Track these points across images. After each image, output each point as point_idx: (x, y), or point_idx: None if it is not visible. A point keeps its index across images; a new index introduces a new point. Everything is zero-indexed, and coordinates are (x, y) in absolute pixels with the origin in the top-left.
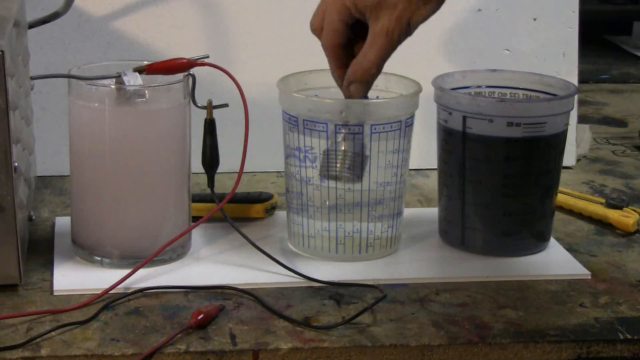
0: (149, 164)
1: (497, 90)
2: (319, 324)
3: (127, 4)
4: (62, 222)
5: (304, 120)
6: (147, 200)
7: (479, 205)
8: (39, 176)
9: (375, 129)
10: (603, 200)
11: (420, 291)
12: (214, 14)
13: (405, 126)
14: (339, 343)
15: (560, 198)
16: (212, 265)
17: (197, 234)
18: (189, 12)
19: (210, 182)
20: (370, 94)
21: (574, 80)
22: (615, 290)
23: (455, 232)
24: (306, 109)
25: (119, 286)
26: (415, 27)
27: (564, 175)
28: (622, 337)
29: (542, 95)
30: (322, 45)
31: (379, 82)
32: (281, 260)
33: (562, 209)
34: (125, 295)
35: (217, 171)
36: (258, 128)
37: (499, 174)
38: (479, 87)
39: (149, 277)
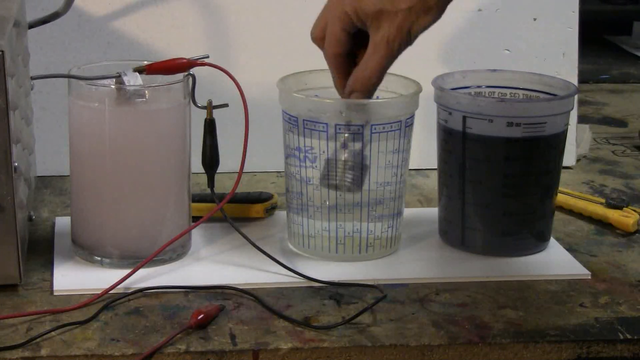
0: (149, 164)
1: (497, 90)
2: (319, 324)
3: (127, 4)
4: (62, 222)
5: (304, 120)
6: (147, 200)
7: (479, 205)
8: (39, 176)
9: (375, 129)
10: (603, 200)
11: (420, 291)
12: (214, 14)
13: (405, 126)
14: (339, 343)
15: (560, 198)
16: (212, 265)
17: (197, 234)
18: (189, 12)
19: (210, 182)
20: None
21: (574, 80)
22: (615, 290)
23: (455, 232)
24: (306, 109)
25: (119, 286)
26: (416, 37)
27: (564, 175)
28: (622, 337)
29: (542, 95)
30: (324, 54)
31: None
32: (281, 260)
33: (562, 209)
34: (125, 295)
35: (217, 171)
36: (258, 128)
37: (499, 174)
38: (479, 87)
39: (149, 277)
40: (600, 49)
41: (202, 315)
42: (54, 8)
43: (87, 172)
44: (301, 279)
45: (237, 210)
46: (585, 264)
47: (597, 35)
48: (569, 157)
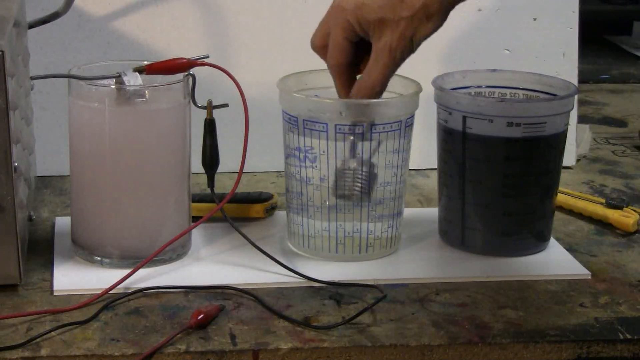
0: (149, 164)
1: (497, 90)
2: (319, 324)
3: (127, 4)
4: (62, 222)
5: (304, 120)
6: (147, 200)
7: (479, 205)
8: (39, 176)
9: (375, 129)
10: (603, 200)
11: (420, 291)
12: (214, 14)
13: (405, 126)
14: (339, 343)
15: (560, 198)
16: (212, 265)
17: (197, 234)
18: (189, 12)
19: (210, 182)
20: None
21: (574, 80)
22: (615, 290)
23: (455, 232)
24: (306, 109)
25: (119, 286)
26: (419, 44)
27: (564, 175)
28: (622, 337)
29: (542, 95)
30: (327, 64)
31: None
32: (281, 260)
33: (562, 209)
34: (125, 295)
35: (217, 171)
36: (258, 128)
37: (499, 174)
38: (479, 87)
39: (149, 277)
40: (600, 49)
41: (202, 315)
42: (54, 8)
43: (87, 172)
44: (301, 279)
45: (237, 210)
46: (585, 264)
47: (597, 35)
48: (569, 157)
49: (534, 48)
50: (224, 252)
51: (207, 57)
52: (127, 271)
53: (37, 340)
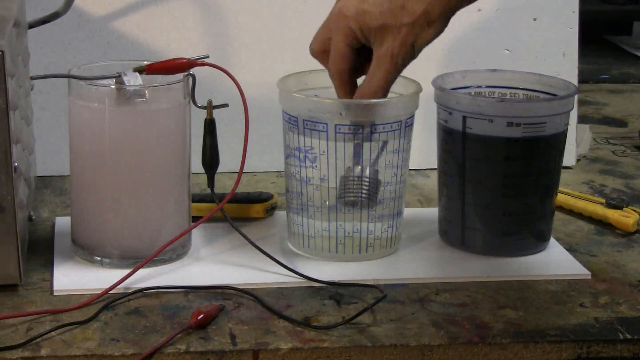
0: (149, 164)
1: (497, 90)
2: (319, 324)
3: (127, 4)
4: (62, 222)
5: (304, 120)
6: (147, 200)
7: (479, 205)
8: (39, 176)
9: (375, 129)
10: (603, 200)
11: (420, 291)
12: (214, 14)
13: (405, 126)
14: (339, 343)
15: (560, 198)
16: (212, 265)
17: (197, 234)
18: (189, 12)
19: (210, 182)
20: None
21: (574, 80)
22: (615, 290)
23: (455, 232)
24: (306, 109)
25: (119, 286)
26: (420, 50)
27: (564, 175)
28: (622, 337)
29: (542, 95)
30: (328, 71)
31: None
32: (281, 260)
33: (562, 209)
34: (125, 295)
35: (217, 171)
36: (258, 128)
37: (499, 174)
38: (479, 87)
39: (149, 277)
40: (600, 49)
41: (202, 315)
42: (54, 8)
43: (87, 172)
44: (301, 279)
45: (237, 210)
46: (585, 264)
47: (597, 35)
48: (569, 157)
49: (534, 48)
50: (224, 252)
51: (207, 57)
52: (127, 271)
53: (37, 340)
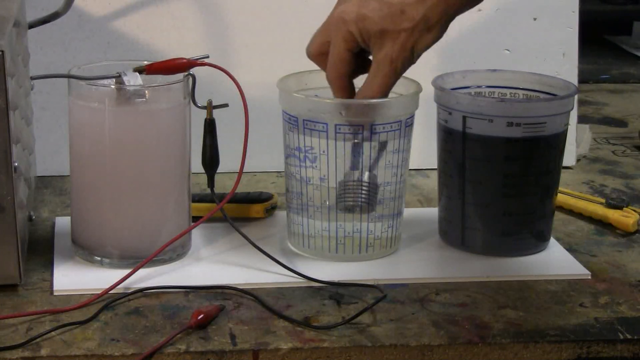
0: (149, 164)
1: (497, 90)
2: (319, 324)
3: (127, 4)
4: (62, 222)
5: (304, 120)
6: (147, 200)
7: (479, 205)
8: (39, 176)
9: (375, 129)
10: (603, 200)
11: (420, 291)
12: (214, 14)
13: (405, 126)
14: (339, 343)
15: (560, 198)
16: (212, 265)
17: (197, 234)
18: (189, 12)
19: (210, 182)
20: None
21: (574, 80)
22: (615, 290)
23: (455, 232)
24: (306, 109)
25: (119, 286)
26: (419, 55)
27: (564, 175)
28: (622, 337)
29: (542, 95)
30: (327, 74)
31: None
32: (281, 260)
33: (562, 209)
34: (125, 295)
35: (217, 171)
36: (258, 128)
37: (499, 174)
38: (479, 87)
39: (149, 277)
40: (600, 49)
41: (202, 315)
42: (54, 8)
43: (87, 172)
44: (301, 279)
45: (237, 210)
46: (585, 264)
47: (597, 35)
48: (569, 157)
49: (534, 48)
50: (224, 252)
51: (207, 57)
52: (127, 271)
53: (37, 340)
